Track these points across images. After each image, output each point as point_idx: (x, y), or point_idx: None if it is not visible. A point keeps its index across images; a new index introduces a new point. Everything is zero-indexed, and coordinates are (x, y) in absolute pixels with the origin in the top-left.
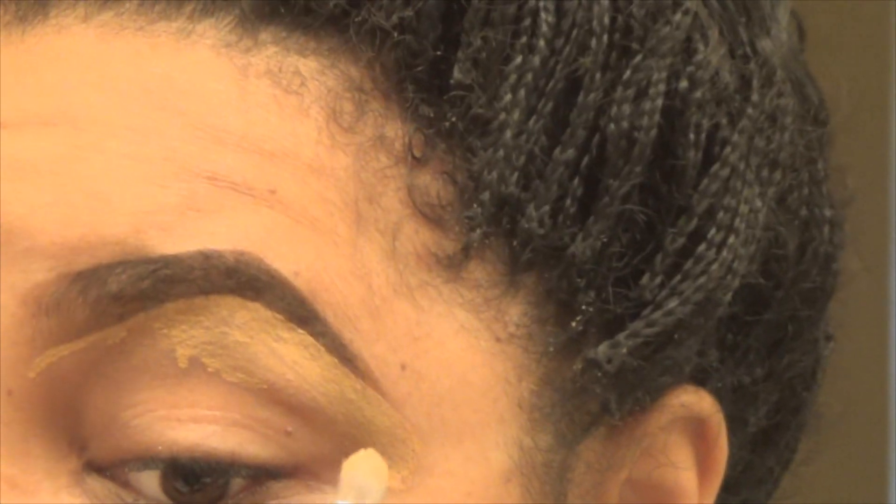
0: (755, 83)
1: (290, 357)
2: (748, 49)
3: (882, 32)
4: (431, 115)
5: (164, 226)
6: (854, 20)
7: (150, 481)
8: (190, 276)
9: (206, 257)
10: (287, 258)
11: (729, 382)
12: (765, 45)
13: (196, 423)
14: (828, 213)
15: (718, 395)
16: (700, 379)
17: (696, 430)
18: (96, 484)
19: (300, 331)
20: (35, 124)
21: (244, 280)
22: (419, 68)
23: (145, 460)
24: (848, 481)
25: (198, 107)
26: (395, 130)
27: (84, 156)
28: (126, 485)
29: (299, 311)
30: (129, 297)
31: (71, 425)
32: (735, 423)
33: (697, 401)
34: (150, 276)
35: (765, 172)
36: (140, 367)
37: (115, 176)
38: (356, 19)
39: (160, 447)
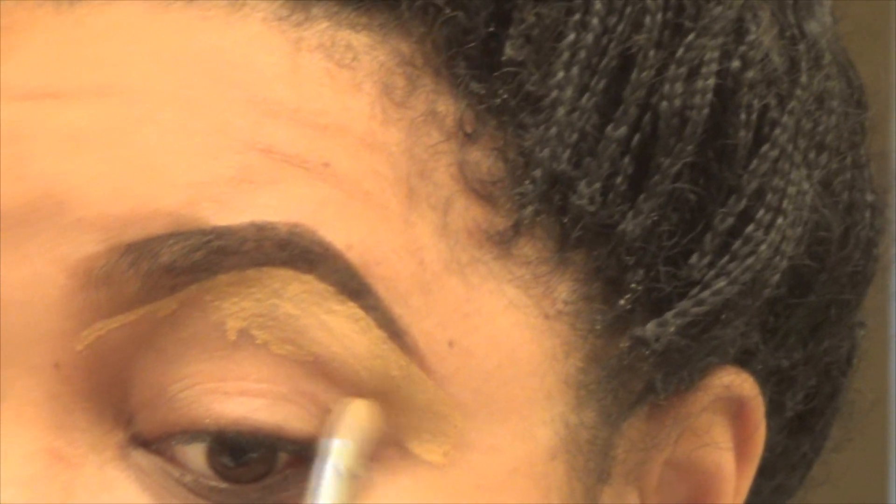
0: (803, 65)
1: (340, 330)
2: (796, 31)
3: (882, 32)
4: (482, 91)
5: (218, 197)
6: (854, 20)
7: (196, 455)
8: (243, 248)
9: (260, 229)
10: (340, 231)
11: (769, 365)
12: (812, 27)
13: (244, 396)
14: (869, 197)
15: (758, 377)
16: (741, 360)
17: (736, 411)
18: (142, 458)
19: (351, 304)
20: (87, 95)
21: (297, 252)
22: (470, 45)
23: (192, 434)
24: (848, 481)
25: (251, 79)
26: (447, 106)
27: (137, 127)
28: (172, 459)
29: (351, 284)
30: (181, 268)
31: (117, 398)
32: (773, 406)
33: (740, 382)
34: (203, 248)
35: (812, 155)
36: (189, 339)
37: (168, 148)
38: None
39: (207, 420)
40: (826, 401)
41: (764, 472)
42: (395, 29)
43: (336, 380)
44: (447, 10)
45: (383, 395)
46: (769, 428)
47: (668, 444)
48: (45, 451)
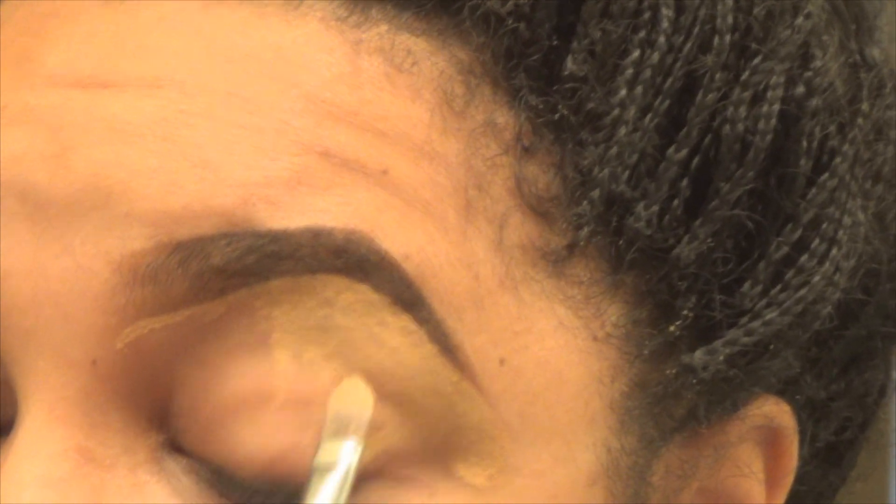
0: (865, 93)
1: (392, 343)
2: (858, 57)
3: (883, 33)
4: (540, 105)
5: (274, 200)
6: None
7: None
8: (298, 254)
9: (316, 235)
10: (397, 240)
11: (806, 395)
12: (874, 53)
13: (289, 415)
14: None
15: (795, 407)
16: (780, 390)
17: (770, 440)
18: (175, 464)
19: (404, 315)
20: (137, 87)
21: (353, 260)
22: (531, 57)
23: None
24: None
25: (310, 80)
26: (505, 118)
27: (191, 121)
28: (205, 466)
29: (406, 295)
30: (232, 271)
31: (154, 400)
32: (805, 436)
33: (779, 412)
34: (257, 251)
35: (867, 185)
36: (234, 350)
37: (223, 144)
38: (470, 3)
39: (244, 456)
40: (857, 432)
41: (790, 502)
42: (453, 36)
43: (385, 395)
44: (510, 21)
45: (437, 413)
46: (800, 458)
47: (704, 471)
48: (75, 451)
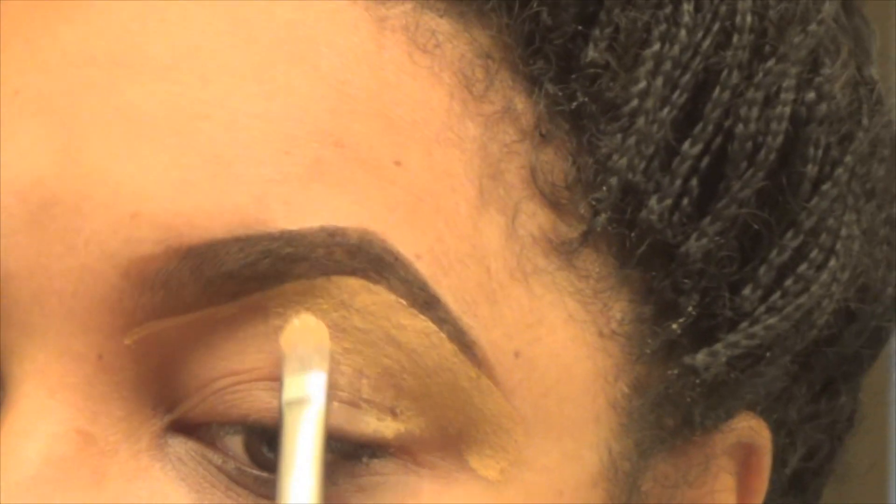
0: (865, 108)
1: (409, 345)
2: (856, 73)
3: (882, 33)
4: (559, 93)
5: (287, 198)
6: None
7: (234, 444)
8: (312, 255)
9: (331, 235)
10: (409, 239)
11: (784, 415)
12: (872, 72)
13: None
14: None
15: (771, 426)
16: (757, 406)
17: (745, 458)
18: (180, 446)
19: (422, 317)
20: (156, 69)
21: (368, 261)
22: (552, 42)
23: (242, 425)
24: (848, 481)
25: (330, 61)
26: (523, 104)
27: (208, 112)
28: (212, 445)
29: (421, 296)
30: (246, 277)
31: (159, 389)
32: (775, 461)
33: (760, 429)
34: (272, 255)
35: (861, 201)
36: (247, 339)
37: (239, 137)
38: None
39: (264, 412)
40: (823, 461)
41: None
42: (474, 19)
43: (403, 389)
44: (534, 5)
45: (454, 407)
46: (770, 483)
47: (693, 481)
48: (75, 433)
